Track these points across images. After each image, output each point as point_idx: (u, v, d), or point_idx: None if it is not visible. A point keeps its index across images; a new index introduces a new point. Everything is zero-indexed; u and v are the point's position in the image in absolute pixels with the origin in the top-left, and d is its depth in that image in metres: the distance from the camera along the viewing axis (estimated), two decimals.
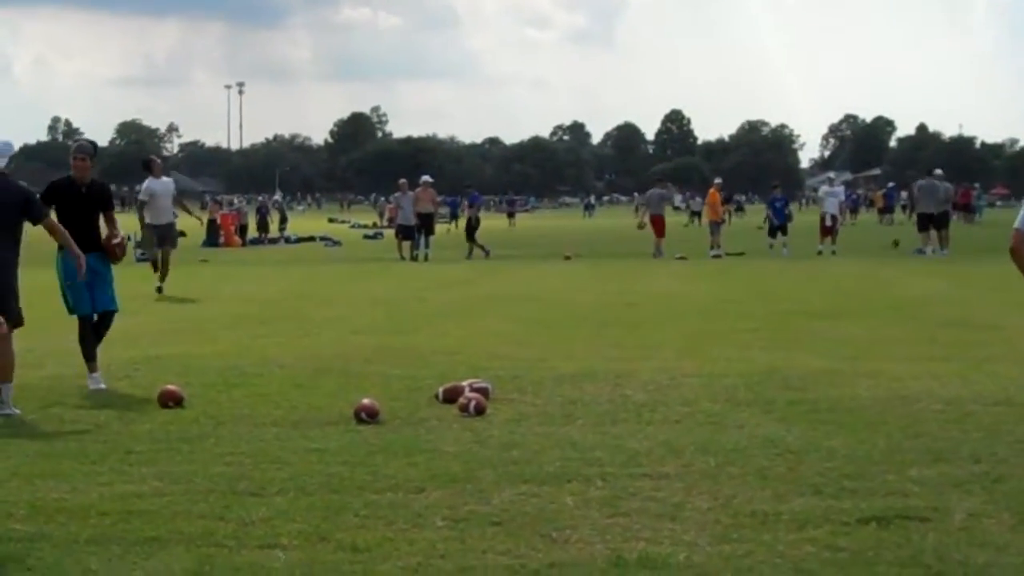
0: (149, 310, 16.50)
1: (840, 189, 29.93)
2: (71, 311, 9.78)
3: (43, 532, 5.50)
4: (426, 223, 30.48)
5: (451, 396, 8.65)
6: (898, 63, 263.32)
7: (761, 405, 8.56)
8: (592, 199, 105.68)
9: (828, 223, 30.22)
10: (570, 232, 49.17)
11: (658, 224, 30.20)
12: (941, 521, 5.55)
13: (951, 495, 5.98)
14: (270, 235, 43.70)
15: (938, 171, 32.11)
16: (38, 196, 9.33)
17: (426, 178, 31.44)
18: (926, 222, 29.32)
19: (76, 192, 9.72)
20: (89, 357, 9.66)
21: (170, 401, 8.78)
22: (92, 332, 9.76)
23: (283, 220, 47.40)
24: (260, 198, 69.50)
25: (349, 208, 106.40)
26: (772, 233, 31.03)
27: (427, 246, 30.05)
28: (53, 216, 9.31)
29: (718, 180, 34.16)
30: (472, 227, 32.66)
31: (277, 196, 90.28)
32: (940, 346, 11.68)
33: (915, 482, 6.26)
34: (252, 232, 43.29)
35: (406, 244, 30.20)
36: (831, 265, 25.60)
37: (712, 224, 31.62)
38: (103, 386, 9.48)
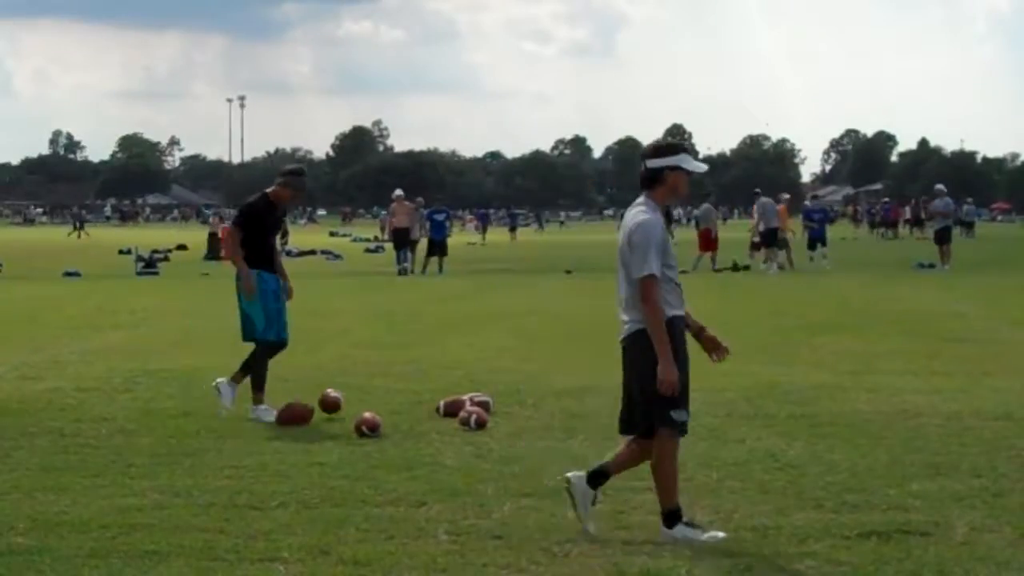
0: (150, 323, 16.51)
1: (769, 201, 30.07)
2: (253, 335, 9.24)
3: (44, 545, 5.51)
4: (401, 238, 29.56)
5: (452, 410, 8.66)
6: (899, 78, 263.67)
7: (762, 419, 8.57)
8: (542, 213, 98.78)
9: (756, 239, 30.65)
10: (573, 246, 49.14)
11: (706, 237, 30.29)
12: (942, 535, 5.56)
13: (952, 509, 5.99)
14: None
15: (939, 186, 32.17)
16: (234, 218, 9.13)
17: (398, 192, 30.46)
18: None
19: (273, 216, 9.34)
20: (259, 387, 9.05)
21: (330, 407, 8.83)
22: (269, 359, 9.22)
23: (284, 234, 47.38)
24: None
25: (352, 223, 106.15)
26: (812, 245, 30.74)
27: (408, 260, 29.18)
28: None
29: (786, 196, 33.75)
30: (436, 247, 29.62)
31: None
32: (940, 360, 11.68)
33: (916, 496, 6.26)
34: None
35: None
36: (831, 280, 25.58)
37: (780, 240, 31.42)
38: (272, 418, 8.78)
